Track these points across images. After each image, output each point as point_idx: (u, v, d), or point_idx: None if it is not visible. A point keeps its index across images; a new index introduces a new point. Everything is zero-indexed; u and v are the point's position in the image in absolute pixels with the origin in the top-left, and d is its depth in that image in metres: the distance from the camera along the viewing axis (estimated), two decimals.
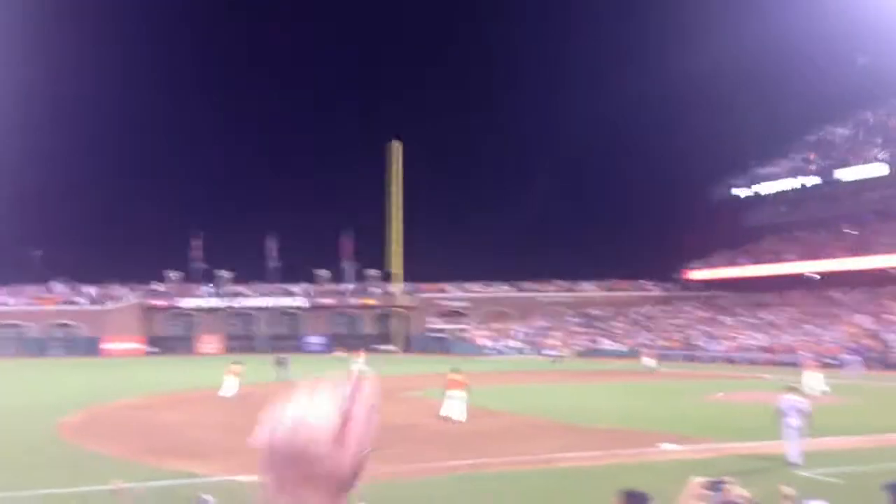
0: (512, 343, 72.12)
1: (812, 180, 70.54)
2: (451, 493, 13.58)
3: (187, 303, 78.68)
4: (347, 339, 76.86)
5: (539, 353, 63.99)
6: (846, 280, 65.51)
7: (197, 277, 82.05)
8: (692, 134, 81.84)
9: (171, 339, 76.93)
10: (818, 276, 68.20)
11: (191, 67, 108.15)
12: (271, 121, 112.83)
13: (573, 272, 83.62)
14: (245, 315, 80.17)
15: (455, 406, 23.59)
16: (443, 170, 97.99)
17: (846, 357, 47.15)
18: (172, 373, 47.22)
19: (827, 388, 30.69)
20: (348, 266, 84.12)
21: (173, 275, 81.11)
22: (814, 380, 30.66)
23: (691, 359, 59.17)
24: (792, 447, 16.74)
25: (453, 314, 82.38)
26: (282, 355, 38.74)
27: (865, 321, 56.93)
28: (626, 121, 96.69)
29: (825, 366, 40.45)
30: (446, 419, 23.22)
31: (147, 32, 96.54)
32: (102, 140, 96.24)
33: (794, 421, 16.68)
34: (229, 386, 31.98)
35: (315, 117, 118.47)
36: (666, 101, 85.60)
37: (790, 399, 17.11)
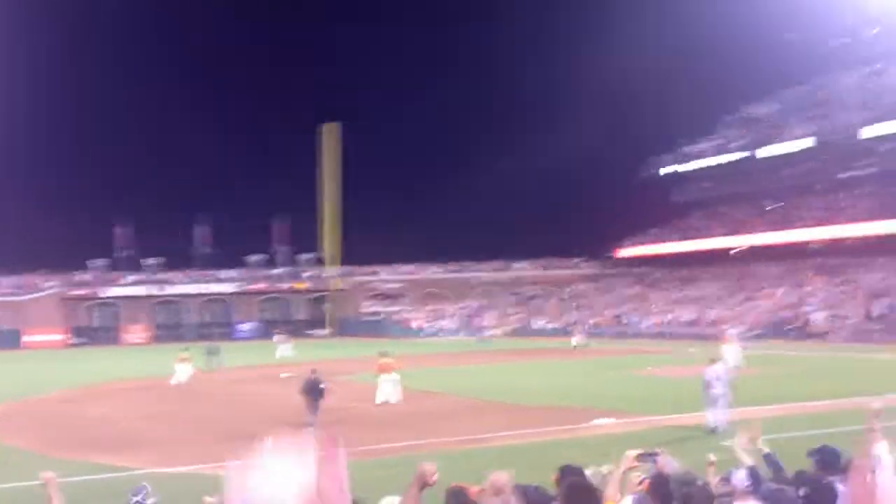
0: (447, 324, 72.37)
1: (736, 157, 72.42)
2: (387, 475, 13.50)
3: (111, 292, 76.53)
4: (280, 324, 76.05)
5: (474, 334, 64.35)
6: (768, 254, 67.66)
7: (123, 265, 79.88)
8: (622, 113, 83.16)
9: (95, 330, 74.87)
10: (739, 251, 70.28)
11: (115, 48, 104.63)
12: (200, 102, 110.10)
13: (507, 252, 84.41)
14: (172, 303, 78.48)
15: (389, 389, 23.56)
16: (375, 151, 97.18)
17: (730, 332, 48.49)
18: (97, 364, 45.97)
19: (741, 362, 31.51)
20: (281, 250, 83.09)
21: (98, 263, 78.75)
22: (731, 352, 31.60)
23: (622, 335, 60.35)
24: (716, 415, 17.42)
25: (388, 297, 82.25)
26: (213, 344, 37.98)
27: (786, 294, 58.93)
28: (558, 100, 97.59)
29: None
30: (384, 405, 23.13)
31: (63, 16, 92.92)
32: (19, 125, 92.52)
33: (717, 391, 17.45)
34: (181, 374, 32.29)
35: (246, 98, 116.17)
36: (596, 82, 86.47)
37: (713, 370, 17.89)
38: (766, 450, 5.79)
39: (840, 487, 4.84)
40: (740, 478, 5.57)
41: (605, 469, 5.10)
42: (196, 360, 35.14)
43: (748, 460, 5.42)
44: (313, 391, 19.89)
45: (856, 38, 69.28)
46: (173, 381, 31.85)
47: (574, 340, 48.28)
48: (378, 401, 23.36)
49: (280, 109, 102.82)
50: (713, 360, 18.81)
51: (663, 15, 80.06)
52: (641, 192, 79.61)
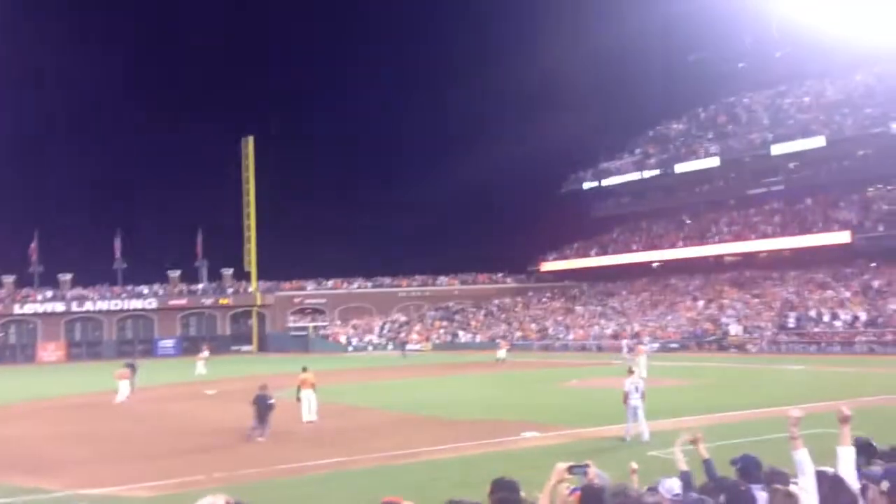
0: (373, 339, 72.13)
1: (652, 173, 74.49)
2: (318, 492, 13.48)
3: (24, 309, 73.70)
4: (202, 340, 74.53)
5: (400, 349, 64.27)
6: (685, 267, 69.72)
7: (35, 281, 77.01)
8: (543, 130, 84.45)
9: (7, 348, 72.02)
10: (658, 265, 72.21)
11: (30, 56, 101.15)
12: (118, 114, 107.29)
13: (432, 267, 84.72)
14: (90, 320, 76.04)
15: (311, 406, 23.37)
16: (298, 166, 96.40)
17: (627, 342, 50.22)
18: (10, 384, 44.20)
19: (644, 373, 32.31)
20: (201, 265, 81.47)
21: (9, 279, 75.73)
22: (643, 364, 32.61)
23: (546, 348, 61.26)
24: (637, 426, 18.05)
25: (313, 312, 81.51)
26: (130, 361, 36.93)
27: (703, 306, 60.79)
28: (481, 117, 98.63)
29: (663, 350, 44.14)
30: (311, 423, 22.91)
31: None
32: None
33: (634, 401, 18.15)
34: (123, 390, 31.85)
35: (166, 112, 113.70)
36: (518, 99, 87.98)
37: (630, 381, 18.60)
38: (706, 456, 6.01)
39: (762, 495, 5.12)
40: (668, 487, 5.79)
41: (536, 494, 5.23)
42: (97, 381, 34.02)
43: (684, 466, 5.62)
44: (262, 405, 20.52)
45: (761, 60, 72.25)
46: (118, 399, 31.25)
47: (499, 354, 48.77)
48: (305, 419, 23.12)
49: (201, 123, 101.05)
50: (631, 372, 19.56)
51: (582, 34, 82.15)
52: (563, 207, 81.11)
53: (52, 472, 16.75)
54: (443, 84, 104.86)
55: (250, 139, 79.49)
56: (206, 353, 50.86)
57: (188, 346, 72.76)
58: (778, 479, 5.61)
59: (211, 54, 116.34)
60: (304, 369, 24.61)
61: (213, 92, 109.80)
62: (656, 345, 50.18)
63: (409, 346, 65.25)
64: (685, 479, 5.48)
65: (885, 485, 4.98)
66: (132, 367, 34.96)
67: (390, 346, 69.74)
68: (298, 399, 23.56)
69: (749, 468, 5.65)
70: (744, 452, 5.89)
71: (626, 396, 18.37)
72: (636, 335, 55.15)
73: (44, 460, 18.54)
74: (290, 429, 22.30)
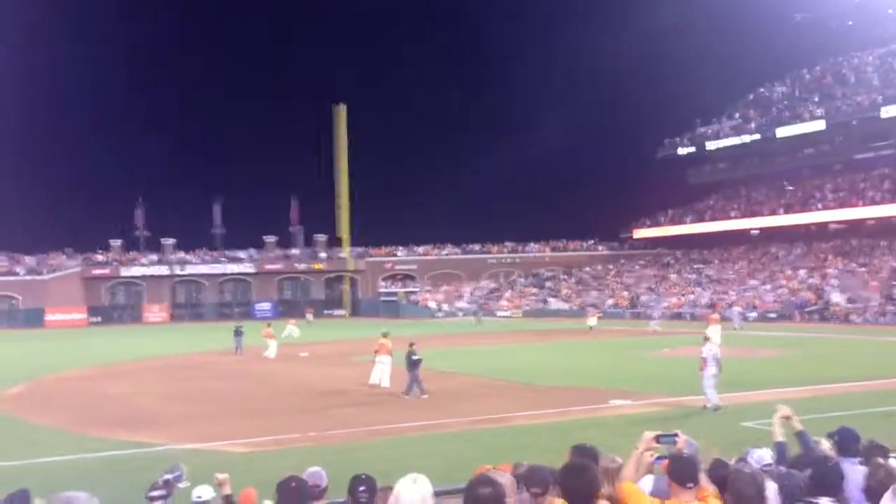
0: (462, 305, 72.55)
1: (752, 137, 71.86)
2: (408, 454, 13.70)
3: (131, 271, 77.20)
4: (297, 304, 76.64)
5: (474, 314, 64.18)
6: (786, 235, 67.24)
7: (140, 245, 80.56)
8: (638, 95, 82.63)
9: (115, 309, 75.69)
10: (757, 233, 69.88)
11: (134, 31, 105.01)
12: (214, 85, 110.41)
13: (522, 234, 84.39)
14: (192, 283, 79.08)
15: (383, 371, 23.48)
16: (391, 134, 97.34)
17: (733, 310, 48.96)
18: (118, 343, 46.51)
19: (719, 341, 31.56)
20: (296, 231, 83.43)
21: (116, 243, 79.40)
22: (714, 332, 31.77)
23: (638, 316, 60.35)
24: (712, 394, 17.83)
25: (404, 277, 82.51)
26: (238, 325, 38.07)
27: (805, 275, 58.62)
28: (573, 83, 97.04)
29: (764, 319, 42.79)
30: (375, 386, 23.09)
31: (80, 4, 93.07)
32: (38, 107, 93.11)
33: (712, 369, 17.94)
34: (272, 347, 34.92)
35: (260, 81, 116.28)
36: (612, 63, 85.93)
37: (707, 349, 18.38)
38: (800, 427, 5.84)
39: (860, 469, 4.91)
40: (758, 457, 5.63)
41: (619, 459, 5.16)
42: (199, 341, 35.53)
43: (780, 437, 5.47)
44: (408, 363, 21.57)
45: (872, 16, 68.30)
46: (265, 354, 34.40)
47: (590, 321, 48.34)
48: (371, 381, 23.33)
49: (295, 91, 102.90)
50: (707, 339, 19.32)
51: None
52: (658, 172, 79.28)
53: (155, 428, 17.57)
54: (536, 49, 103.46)
55: (342, 107, 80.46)
56: (309, 317, 52.56)
57: (284, 310, 74.90)
58: (878, 453, 5.38)
59: (305, 22, 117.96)
60: (385, 335, 24.58)
61: (308, 60, 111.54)
62: (739, 312, 48.73)
63: (484, 312, 65.43)
64: (780, 450, 5.31)
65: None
66: (239, 331, 36.21)
67: (477, 312, 70.06)
68: (374, 363, 23.71)
69: (846, 441, 5.44)
70: (841, 425, 5.67)
71: (703, 363, 18.21)
72: (712, 305, 53.86)
73: (149, 416, 19.46)
74: (374, 391, 22.73)
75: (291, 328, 46.63)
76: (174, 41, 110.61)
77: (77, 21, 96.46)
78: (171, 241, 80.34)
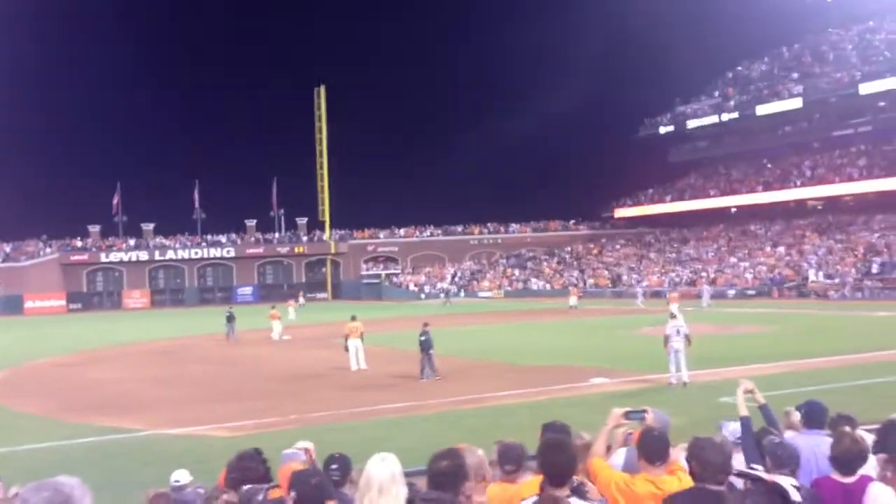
0: (445, 286, 72.64)
1: (732, 116, 72.14)
2: (387, 435, 13.76)
3: (110, 257, 76.58)
4: (279, 288, 76.38)
5: (444, 295, 64.77)
6: (765, 213, 67.73)
7: (119, 231, 79.86)
8: (619, 74, 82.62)
9: (95, 295, 75.14)
10: (736, 211, 70.34)
11: (111, 15, 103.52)
12: (193, 69, 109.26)
13: (504, 215, 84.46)
14: (173, 268, 78.61)
15: (358, 355, 23.50)
16: (372, 115, 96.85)
17: (703, 288, 49.51)
18: (98, 329, 46.23)
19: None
20: (277, 215, 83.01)
21: (94, 229, 78.68)
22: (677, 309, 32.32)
23: (620, 295, 60.69)
24: (674, 369, 18.29)
25: (386, 259, 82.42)
26: (229, 311, 37.70)
27: (783, 252, 59.14)
28: (553, 62, 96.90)
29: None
30: (359, 371, 23.10)
31: None
32: (13, 93, 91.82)
33: (676, 344, 18.34)
34: (276, 328, 35.84)
35: (237, 65, 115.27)
36: (591, 41, 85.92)
37: (673, 325, 18.83)
38: (763, 401, 5.92)
39: (826, 440, 5.00)
40: (732, 430, 5.71)
41: (586, 436, 5.21)
42: (178, 326, 35.30)
43: (744, 411, 5.55)
44: (421, 344, 21.27)
45: None
46: (273, 336, 35.26)
47: (571, 301, 48.58)
48: (353, 367, 23.30)
49: (273, 74, 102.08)
50: (673, 316, 19.70)
51: None
52: (639, 152, 79.50)
53: (136, 413, 17.54)
54: (516, 27, 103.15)
55: (322, 89, 79.95)
56: (301, 301, 52.29)
57: (265, 294, 74.63)
58: (846, 424, 5.47)
59: (285, 2, 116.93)
60: (353, 318, 24.57)
61: (287, 43, 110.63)
62: (708, 290, 49.32)
63: (453, 293, 66.14)
64: (744, 424, 5.39)
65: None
66: (231, 317, 35.92)
67: (462, 294, 70.20)
68: (346, 349, 23.70)
69: (813, 413, 5.52)
70: (809, 398, 5.75)
71: (666, 340, 18.61)
72: (693, 283, 54.33)
73: (129, 402, 19.41)
74: (361, 375, 22.77)
75: (291, 310, 46.67)
76: (152, 23, 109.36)
77: (52, 6, 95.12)
78: (150, 226, 79.73)
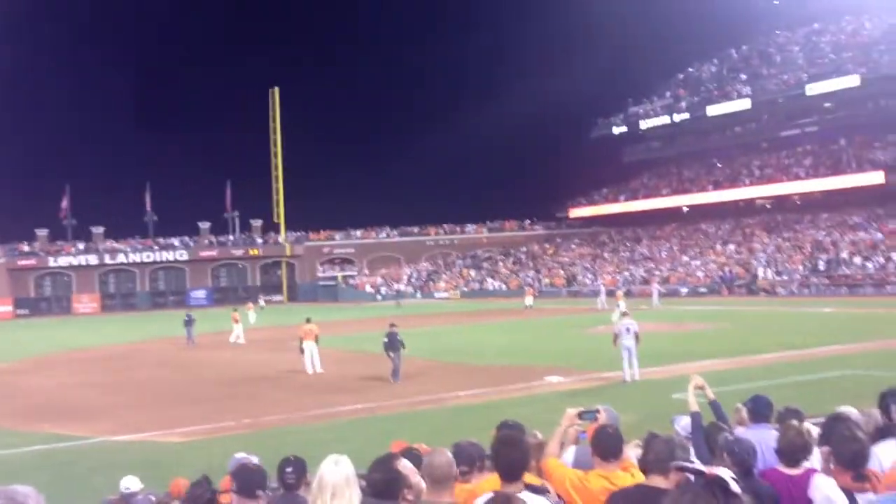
0: (401, 287, 72.56)
1: (683, 116, 73.24)
2: (341, 437, 13.68)
3: (59, 261, 74.91)
4: (233, 291, 75.57)
5: (395, 298, 64.94)
6: (716, 212, 68.92)
7: (68, 235, 78.17)
8: (573, 75, 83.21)
9: (43, 300, 73.51)
10: (688, 210, 71.47)
11: (57, 10, 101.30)
12: (143, 68, 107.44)
13: (460, 216, 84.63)
14: (124, 272, 77.21)
15: (313, 357, 23.35)
16: (327, 117, 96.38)
17: (652, 287, 50.21)
18: (47, 335, 45.24)
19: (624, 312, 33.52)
20: (231, 217, 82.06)
21: (42, 233, 76.91)
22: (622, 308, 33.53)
23: (575, 294, 61.21)
24: (626, 367, 18.61)
25: (342, 261, 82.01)
26: (189, 314, 37.05)
27: (734, 250, 60.21)
28: (508, 64, 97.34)
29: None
30: (315, 374, 22.92)
31: None
32: None
33: (627, 342, 18.63)
34: (237, 331, 35.19)
35: (190, 65, 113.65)
36: (547, 42, 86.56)
37: (624, 323, 19.11)
38: (713, 397, 6.04)
39: (772, 433, 5.11)
40: (684, 425, 5.81)
41: (540, 435, 5.28)
42: (126, 332, 34.71)
43: (695, 407, 5.65)
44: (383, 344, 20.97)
45: None
46: (231, 340, 34.59)
47: (527, 300, 48.86)
48: (309, 370, 23.11)
49: (226, 75, 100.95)
50: (624, 314, 20.13)
51: None
52: (593, 152, 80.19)
53: (86, 420, 17.19)
54: (469, 29, 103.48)
55: (276, 90, 79.33)
56: (262, 303, 51.35)
57: (220, 297, 73.72)
58: (793, 417, 5.60)
59: (239, 4, 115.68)
60: (308, 320, 24.45)
61: (241, 44, 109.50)
62: (658, 289, 50.07)
63: (404, 295, 66.47)
64: (695, 419, 5.50)
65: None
66: (190, 320, 35.32)
67: (419, 295, 70.16)
68: (302, 351, 23.52)
69: (759, 408, 5.65)
70: (755, 394, 5.89)
71: (615, 338, 18.96)
72: (646, 282, 55.26)
73: (79, 408, 19.02)
74: (316, 377, 22.64)
75: (250, 313, 46.11)
76: (101, 21, 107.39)
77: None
78: (100, 229, 78.23)
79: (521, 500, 2.86)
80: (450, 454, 4.06)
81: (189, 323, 35.32)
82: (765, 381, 16.28)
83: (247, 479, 4.64)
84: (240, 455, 5.82)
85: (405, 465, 3.82)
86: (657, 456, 3.98)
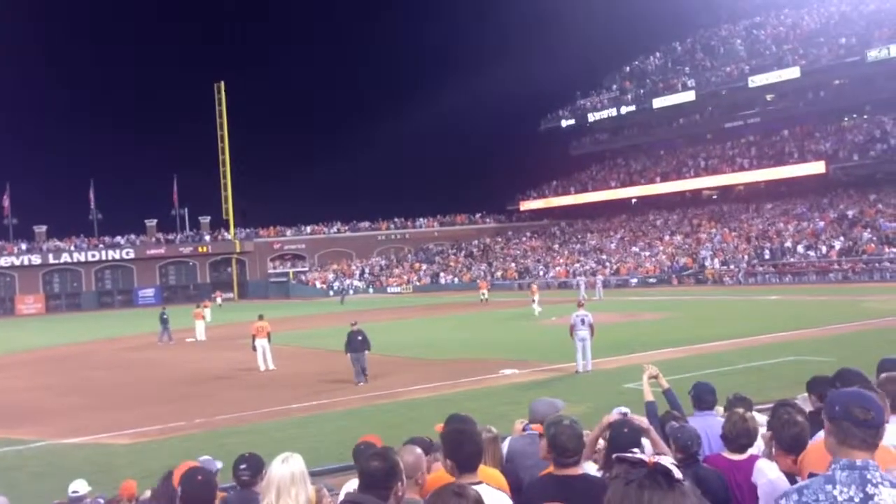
0: (353, 283, 72.29)
1: (629, 109, 74.13)
2: (296, 434, 13.62)
3: (1, 262, 72.94)
4: (183, 289, 74.47)
5: (339, 294, 64.82)
6: (663, 203, 69.97)
7: (9, 234, 76.16)
8: (521, 68, 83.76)
9: None
10: (636, 201, 72.45)
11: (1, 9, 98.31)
12: (87, 63, 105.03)
13: (411, 210, 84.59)
14: (68, 271, 75.51)
15: (265, 354, 23.16)
16: (275, 111, 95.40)
17: (596, 279, 51.07)
18: None
19: (540, 309, 36.16)
20: (179, 214, 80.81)
21: None
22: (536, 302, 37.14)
23: (527, 287, 61.59)
24: (583, 357, 18.76)
25: (293, 257, 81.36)
26: (164, 311, 36.15)
27: (681, 241, 61.22)
28: (457, 57, 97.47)
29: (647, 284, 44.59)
30: (267, 371, 22.75)
31: None
32: None
33: (582, 333, 18.75)
34: (199, 330, 34.61)
35: (134, 60, 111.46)
36: (496, 36, 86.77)
37: (578, 314, 19.22)
38: (667, 386, 6.17)
39: (717, 419, 5.25)
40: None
41: (494, 430, 5.36)
42: (74, 332, 33.95)
43: (650, 397, 5.76)
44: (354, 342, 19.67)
45: None
46: (192, 338, 33.90)
47: (482, 293, 49.07)
48: (262, 368, 22.88)
49: (176, 67, 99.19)
50: (580, 305, 20.35)
51: None
52: (542, 145, 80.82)
53: (32, 423, 16.80)
54: (416, 23, 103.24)
55: (222, 84, 78.20)
56: (219, 301, 50.27)
57: (168, 295, 72.56)
58: (740, 405, 5.73)
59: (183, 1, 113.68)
60: (260, 317, 24.20)
61: (186, 39, 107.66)
62: (602, 280, 50.81)
63: (349, 291, 66.69)
64: (650, 409, 5.60)
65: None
66: (165, 318, 34.46)
67: (371, 290, 69.98)
68: (254, 348, 23.31)
69: (701, 395, 5.79)
70: (697, 381, 6.05)
71: (571, 329, 19.01)
72: (594, 273, 56.11)
73: (26, 411, 18.58)
74: (269, 375, 22.47)
75: (206, 311, 45.42)
76: (43, 14, 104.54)
77: None
78: (43, 228, 76.40)
79: (475, 490, 2.88)
80: (419, 450, 4.06)
81: (164, 320, 34.58)
82: (714, 369, 16.62)
83: (194, 496, 4.40)
84: (204, 458, 5.76)
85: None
86: (566, 446, 3.97)
